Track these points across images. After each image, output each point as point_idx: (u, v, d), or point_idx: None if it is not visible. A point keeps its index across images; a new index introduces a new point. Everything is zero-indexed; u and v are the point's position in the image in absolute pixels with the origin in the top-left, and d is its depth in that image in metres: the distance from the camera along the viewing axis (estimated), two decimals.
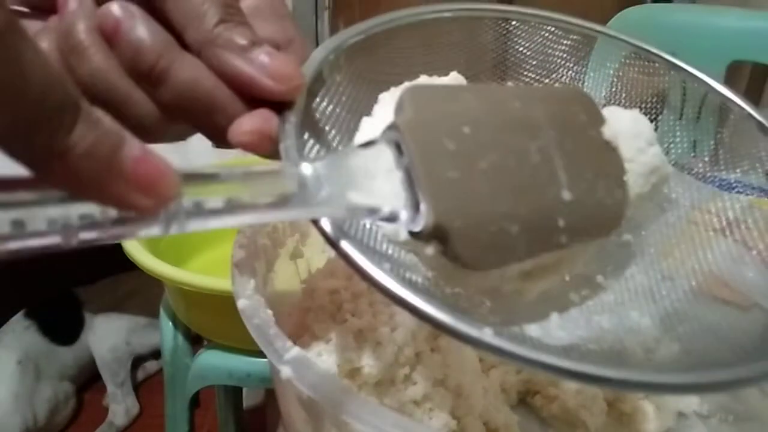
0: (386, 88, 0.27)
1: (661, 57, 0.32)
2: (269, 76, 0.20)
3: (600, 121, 0.24)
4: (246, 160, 0.78)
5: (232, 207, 0.17)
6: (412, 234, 0.20)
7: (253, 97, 0.22)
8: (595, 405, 0.35)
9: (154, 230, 0.16)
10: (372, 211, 0.20)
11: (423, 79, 0.28)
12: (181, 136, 0.24)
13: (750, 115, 0.29)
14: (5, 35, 0.12)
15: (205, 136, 0.23)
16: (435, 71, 0.29)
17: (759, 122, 0.29)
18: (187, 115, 0.22)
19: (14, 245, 0.13)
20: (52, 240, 0.14)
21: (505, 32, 0.33)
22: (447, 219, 0.19)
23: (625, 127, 0.26)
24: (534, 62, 0.33)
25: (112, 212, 0.15)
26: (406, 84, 0.27)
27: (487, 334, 0.18)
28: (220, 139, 0.22)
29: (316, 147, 0.23)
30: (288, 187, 0.18)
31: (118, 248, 0.60)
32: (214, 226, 0.17)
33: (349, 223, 0.22)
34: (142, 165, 0.15)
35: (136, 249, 0.58)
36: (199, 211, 0.16)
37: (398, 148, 0.20)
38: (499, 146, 0.21)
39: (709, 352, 0.24)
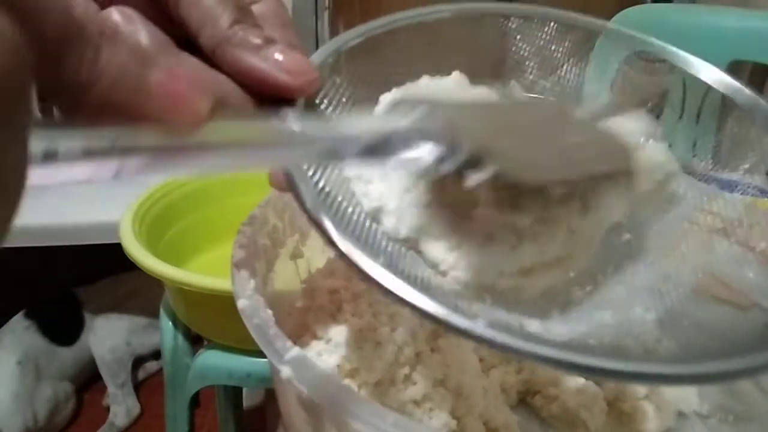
0: (388, 89, 0.27)
1: (666, 49, 0.32)
2: (284, 71, 0.21)
3: (589, 122, 0.25)
4: None
5: (241, 144, 0.17)
6: (454, 170, 0.20)
7: (262, 94, 0.22)
8: (595, 405, 0.35)
9: (189, 163, 0.16)
10: (404, 137, 0.19)
11: (425, 80, 0.28)
12: None
13: (758, 104, 0.29)
14: None
15: None
16: (437, 71, 0.29)
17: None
18: None
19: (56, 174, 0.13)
20: (97, 169, 0.14)
21: (508, 30, 0.33)
22: (489, 141, 0.20)
23: (622, 126, 0.27)
24: (534, 62, 0.33)
25: (151, 140, 0.15)
26: (408, 84, 0.27)
27: (479, 326, 0.18)
28: None
29: None
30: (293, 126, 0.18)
31: (117, 248, 0.60)
32: (229, 165, 0.17)
33: (348, 218, 0.22)
34: (172, 83, 0.15)
35: (135, 249, 0.58)
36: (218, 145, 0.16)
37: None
38: (508, 120, 0.22)
39: (707, 348, 0.24)
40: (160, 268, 0.55)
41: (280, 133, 0.18)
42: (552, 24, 0.33)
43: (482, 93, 0.29)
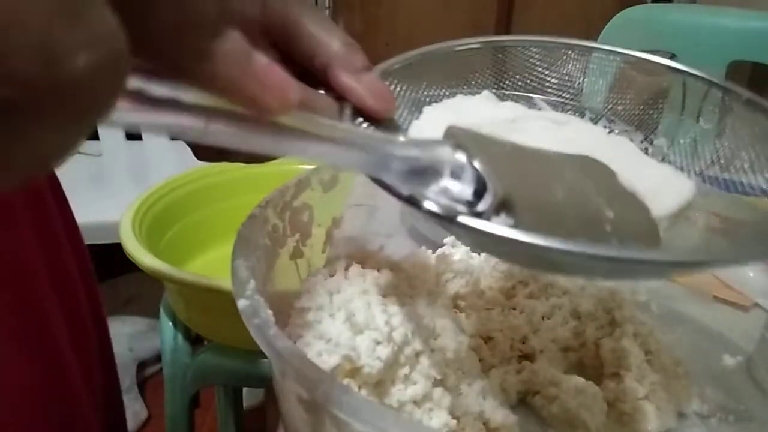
0: (428, 104, 0.31)
1: (659, 63, 0.33)
2: (373, 96, 0.25)
3: (614, 174, 0.26)
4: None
5: (309, 134, 0.19)
6: (477, 213, 0.21)
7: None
8: (595, 405, 0.35)
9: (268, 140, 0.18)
10: (448, 169, 0.21)
11: (459, 98, 0.32)
12: None
13: (751, 100, 0.30)
14: None
15: None
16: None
17: (762, 107, 0.29)
18: None
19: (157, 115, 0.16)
20: (194, 122, 0.17)
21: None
22: (513, 192, 0.21)
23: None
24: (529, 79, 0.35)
25: (237, 109, 0.18)
26: (445, 101, 0.32)
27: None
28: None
29: None
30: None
31: (117, 248, 0.60)
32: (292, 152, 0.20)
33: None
34: (272, 72, 0.18)
35: (135, 249, 0.58)
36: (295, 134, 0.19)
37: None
38: (537, 166, 0.23)
39: None
40: (160, 268, 0.56)
41: (342, 134, 0.21)
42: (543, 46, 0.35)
43: (509, 107, 0.32)
